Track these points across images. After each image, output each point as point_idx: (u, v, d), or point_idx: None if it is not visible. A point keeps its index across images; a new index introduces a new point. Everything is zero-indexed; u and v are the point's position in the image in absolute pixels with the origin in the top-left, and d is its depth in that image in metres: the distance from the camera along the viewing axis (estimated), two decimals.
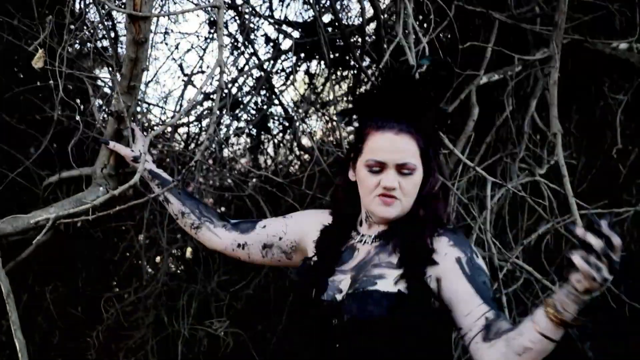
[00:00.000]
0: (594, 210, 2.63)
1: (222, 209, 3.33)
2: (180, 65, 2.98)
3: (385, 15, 2.85)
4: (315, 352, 1.53)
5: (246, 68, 3.14)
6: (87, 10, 2.46)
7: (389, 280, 1.52)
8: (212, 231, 1.87)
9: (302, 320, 1.61)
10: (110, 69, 2.50)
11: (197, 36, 3.10)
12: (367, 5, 2.83)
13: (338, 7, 3.07)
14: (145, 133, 2.14)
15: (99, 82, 2.65)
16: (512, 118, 2.91)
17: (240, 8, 2.93)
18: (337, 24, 2.99)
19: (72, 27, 2.24)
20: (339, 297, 1.56)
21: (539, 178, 2.73)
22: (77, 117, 2.01)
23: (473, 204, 2.78)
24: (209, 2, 2.41)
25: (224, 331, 2.73)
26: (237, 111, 3.09)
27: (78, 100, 2.80)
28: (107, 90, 2.69)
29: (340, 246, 1.68)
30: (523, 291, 2.98)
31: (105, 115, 2.47)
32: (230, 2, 2.92)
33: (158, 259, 2.96)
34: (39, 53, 1.73)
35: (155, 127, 2.78)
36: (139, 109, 2.62)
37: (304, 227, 1.79)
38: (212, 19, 3.02)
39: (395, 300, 1.49)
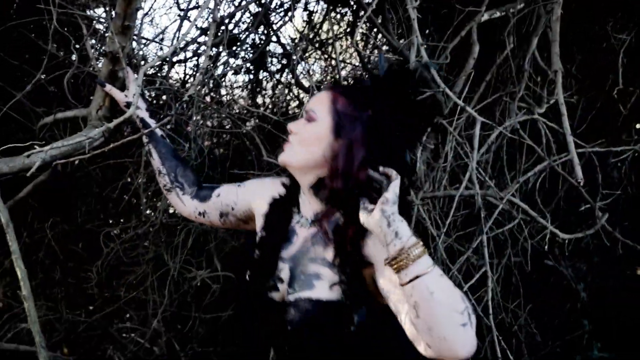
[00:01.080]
0: (591, 149, 2.63)
1: (221, 150, 3.32)
2: (176, 1, 2.92)
3: None
4: (265, 348, 1.61)
5: (243, 3, 3.07)
6: None
7: (324, 283, 1.50)
8: (179, 197, 1.90)
9: (249, 312, 1.64)
10: (104, 7, 2.45)
11: None
12: None
13: None
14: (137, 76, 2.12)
15: (93, 20, 2.60)
16: (512, 56, 2.87)
17: None
18: None
19: None
20: (280, 288, 1.56)
21: (537, 116, 2.71)
22: (73, 55, 1.97)
23: (466, 144, 2.78)
24: None
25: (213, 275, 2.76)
26: (234, 48, 3.04)
27: (72, 39, 2.75)
28: (100, 27, 2.65)
29: (282, 225, 1.66)
30: (519, 231, 3.01)
31: (100, 54, 2.44)
32: None
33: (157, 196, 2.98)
34: None
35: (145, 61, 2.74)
36: (135, 45, 2.58)
37: (254, 197, 1.79)
38: None
39: (335, 309, 1.48)
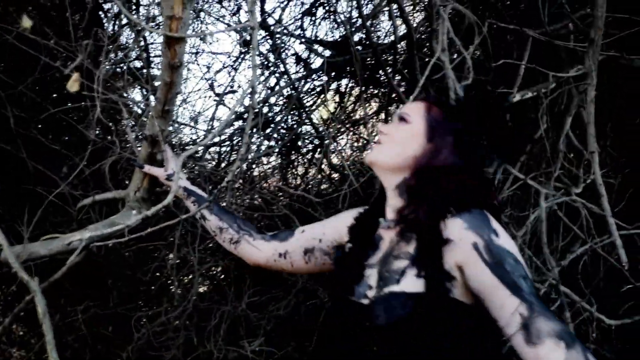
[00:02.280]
0: (634, 231, 2.57)
1: None
2: (212, 85, 3.00)
3: (417, 33, 2.82)
4: (351, 353, 1.50)
5: (277, 87, 3.14)
6: (121, 31, 2.47)
7: (410, 275, 1.45)
8: (251, 244, 1.85)
9: (336, 320, 1.58)
10: (144, 91, 2.52)
11: (228, 56, 3.12)
12: (399, 23, 2.82)
13: (369, 25, 3.06)
14: (177, 153, 2.15)
15: (132, 104, 2.67)
16: (546, 136, 2.86)
17: (272, 28, 2.93)
18: (368, 42, 2.98)
19: (108, 48, 2.26)
20: (369, 294, 1.51)
21: (575, 197, 2.67)
22: (113, 138, 2.01)
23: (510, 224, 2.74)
24: (241, 22, 2.41)
25: (257, 349, 2.71)
26: (268, 130, 3.09)
27: (110, 122, 2.82)
28: (138, 110, 2.72)
29: (368, 233, 1.64)
30: (558, 313, 2.92)
31: (138, 136, 2.49)
32: (262, 22, 2.93)
33: (188, 279, 2.96)
34: (74, 77, 1.74)
35: (187, 147, 2.79)
36: (171, 128, 2.63)
37: (342, 223, 1.75)
38: (244, 39, 3.04)
39: (421, 300, 1.43)
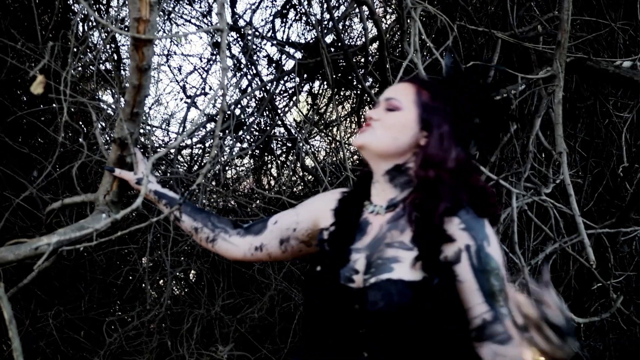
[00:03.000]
0: (601, 230, 2.61)
1: None
2: (183, 87, 2.99)
3: (388, 35, 2.84)
4: (336, 335, 1.49)
5: (249, 89, 3.14)
6: (90, 33, 2.45)
7: (405, 265, 1.46)
8: (227, 241, 1.82)
9: (320, 302, 1.53)
10: (113, 93, 2.49)
11: (200, 58, 3.11)
12: (370, 25, 2.83)
13: (340, 27, 3.07)
14: (147, 156, 2.13)
15: (102, 106, 2.65)
16: (516, 137, 2.90)
17: (242, 30, 2.93)
18: (339, 44, 2.99)
19: (76, 50, 2.24)
20: (356, 278, 1.50)
21: (545, 197, 2.71)
22: (82, 141, 1.99)
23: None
24: (212, 24, 2.40)
25: (228, 355, 2.69)
26: (240, 133, 3.08)
27: (81, 123, 2.80)
28: (110, 113, 2.69)
29: (354, 217, 1.61)
30: None
31: (108, 139, 2.47)
32: (233, 24, 2.92)
33: (161, 282, 2.94)
34: (39, 79, 1.71)
35: (158, 150, 2.77)
36: (141, 131, 2.62)
37: (316, 212, 1.72)
38: (214, 40, 3.03)
39: (419, 288, 1.43)
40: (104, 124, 2.72)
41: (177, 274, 2.98)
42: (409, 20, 2.45)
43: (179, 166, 2.95)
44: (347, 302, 1.48)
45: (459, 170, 1.55)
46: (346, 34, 3.36)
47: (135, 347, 2.73)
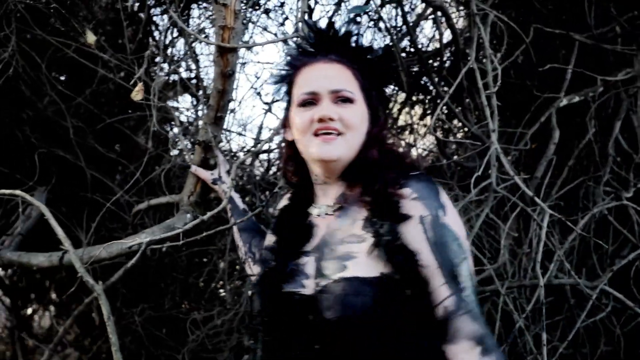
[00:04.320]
0: None
1: None
2: (259, 94, 3.06)
3: (462, 40, 2.83)
4: (290, 351, 1.35)
5: None
6: (174, 42, 2.57)
7: (359, 260, 1.32)
8: (250, 268, 1.83)
9: (271, 314, 1.40)
10: (195, 99, 2.59)
11: (275, 65, 3.18)
12: (444, 29, 2.84)
13: (415, 32, 3.09)
14: (228, 158, 2.21)
15: (184, 112, 2.77)
16: (594, 140, 2.84)
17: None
18: (414, 49, 3.00)
19: (159, 58, 2.35)
20: (307, 283, 1.37)
21: (626, 201, 2.64)
22: (166, 146, 2.09)
23: (554, 230, 2.72)
24: (287, 33, 2.47)
25: None
26: None
27: (166, 132, 2.92)
28: (188, 118, 2.81)
29: (298, 222, 1.50)
30: (610, 319, 2.87)
31: (189, 143, 2.57)
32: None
33: (238, 282, 3.02)
34: (138, 86, 1.83)
35: (238, 154, 2.86)
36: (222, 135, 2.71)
37: None
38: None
39: (378, 285, 1.29)
40: (184, 130, 2.83)
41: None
42: (476, 27, 2.44)
43: (256, 169, 3.03)
44: (299, 311, 1.35)
45: (388, 139, 1.48)
46: (419, 39, 3.37)
47: (215, 345, 2.82)
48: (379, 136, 1.46)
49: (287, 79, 1.53)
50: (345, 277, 1.31)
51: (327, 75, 1.44)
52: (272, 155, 2.96)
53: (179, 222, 2.05)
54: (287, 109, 1.52)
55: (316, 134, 1.41)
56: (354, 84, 1.45)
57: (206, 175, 2.08)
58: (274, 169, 2.94)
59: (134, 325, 2.85)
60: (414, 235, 1.32)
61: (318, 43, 1.47)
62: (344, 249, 1.36)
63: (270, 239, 1.60)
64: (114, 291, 2.93)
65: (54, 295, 3.91)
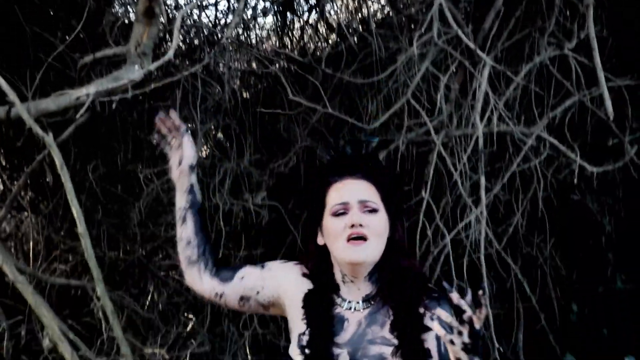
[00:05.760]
0: (621, 83, 2.62)
1: (247, 95, 3.35)
2: None
3: None
4: None
5: None
6: None
7: None
8: (199, 274, 1.82)
9: None
10: None
11: None
12: None
13: None
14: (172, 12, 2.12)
15: None
16: None
17: None
18: None
19: None
20: None
21: (568, 52, 2.71)
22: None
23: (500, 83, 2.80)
24: None
25: (259, 203, 2.86)
26: None
27: None
28: None
29: (331, 314, 1.68)
30: (547, 166, 3.04)
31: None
32: None
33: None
34: None
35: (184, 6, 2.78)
36: None
37: (282, 283, 1.77)
38: None
39: None
40: None
41: (206, 130, 3.08)
42: None
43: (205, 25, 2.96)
44: None
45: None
46: None
47: (170, 200, 2.89)
48: (399, 243, 1.69)
49: (320, 193, 1.71)
50: None
51: (356, 189, 1.67)
52: (219, 7, 2.90)
53: (127, 74, 2.03)
54: (315, 218, 1.71)
55: (348, 240, 1.62)
56: (376, 197, 1.66)
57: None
58: (222, 22, 2.89)
59: (88, 182, 2.88)
60: (429, 342, 1.58)
61: (347, 165, 1.71)
62: (377, 350, 1.59)
63: (299, 324, 1.72)
64: (67, 151, 2.92)
65: (4, 162, 3.84)
